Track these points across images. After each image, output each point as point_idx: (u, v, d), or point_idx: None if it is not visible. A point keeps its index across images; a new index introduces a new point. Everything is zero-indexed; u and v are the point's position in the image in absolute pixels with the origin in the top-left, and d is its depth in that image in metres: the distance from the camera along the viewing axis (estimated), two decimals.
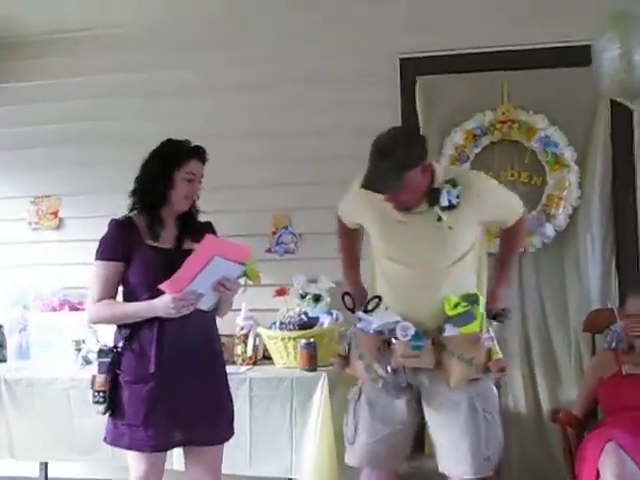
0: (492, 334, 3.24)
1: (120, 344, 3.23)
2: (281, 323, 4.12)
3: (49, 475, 5.01)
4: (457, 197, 3.13)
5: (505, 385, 4.55)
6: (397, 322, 3.15)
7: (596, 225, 4.62)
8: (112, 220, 3.36)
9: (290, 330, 4.08)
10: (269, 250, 4.94)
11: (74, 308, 4.99)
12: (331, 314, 4.20)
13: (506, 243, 3.55)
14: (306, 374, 3.89)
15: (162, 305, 3.09)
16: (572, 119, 4.64)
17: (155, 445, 3.19)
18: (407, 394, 3.22)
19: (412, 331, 3.12)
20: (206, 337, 3.34)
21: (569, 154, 4.59)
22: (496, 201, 3.32)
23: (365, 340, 3.25)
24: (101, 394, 3.19)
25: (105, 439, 3.29)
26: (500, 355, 3.21)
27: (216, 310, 3.30)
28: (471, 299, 3.15)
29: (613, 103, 4.49)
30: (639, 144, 4.46)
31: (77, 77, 5.36)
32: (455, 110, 4.78)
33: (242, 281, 3.26)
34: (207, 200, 3.52)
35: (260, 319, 4.38)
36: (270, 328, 4.15)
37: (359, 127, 4.55)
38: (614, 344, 3.74)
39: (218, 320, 3.42)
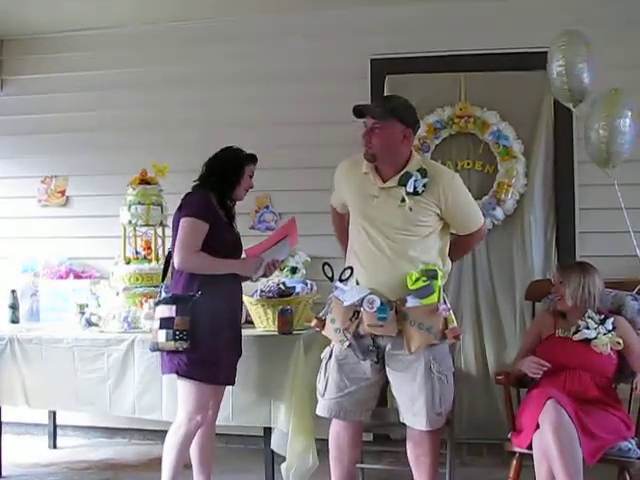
0: (449, 305, 3.27)
1: (198, 293, 3.45)
2: (262, 291, 4.14)
3: (57, 422, 5.08)
4: (423, 186, 3.18)
5: (458, 349, 4.62)
6: (365, 296, 3.19)
7: (539, 209, 4.70)
8: (199, 189, 3.61)
9: (270, 298, 4.09)
10: (252, 227, 4.99)
11: (78, 276, 5.05)
12: (306, 284, 4.23)
13: (457, 248, 3.46)
14: (284, 337, 3.91)
15: (249, 264, 3.64)
16: (520, 116, 4.70)
17: (223, 379, 3.58)
18: (371, 356, 3.26)
19: (378, 303, 3.16)
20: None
21: (517, 146, 4.66)
22: (456, 203, 3.27)
23: (337, 307, 3.29)
24: (184, 332, 3.41)
25: (177, 372, 3.49)
26: (455, 324, 3.24)
27: None
28: (430, 274, 3.18)
29: (556, 102, 4.55)
30: (578, 139, 4.51)
31: (82, 71, 5.38)
32: (418, 105, 4.69)
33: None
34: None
35: (244, 288, 4.40)
36: (252, 296, 4.16)
37: (333, 119, 4.63)
38: (550, 309, 3.79)
39: None
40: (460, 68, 4.76)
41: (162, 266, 3.85)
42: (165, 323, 3.42)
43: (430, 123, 4.76)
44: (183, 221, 3.48)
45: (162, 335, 3.42)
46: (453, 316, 3.26)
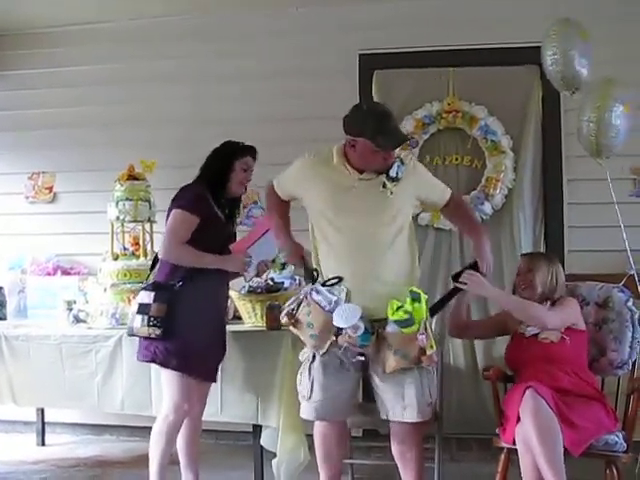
0: (430, 331, 3.20)
1: (180, 283, 3.46)
2: (250, 287, 4.13)
3: (45, 420, 5.05)
4: (402, 172, 3.23)
5: (446, 342, 4.62)
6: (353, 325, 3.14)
7: (528, 204, 4.72)
8: (190, 184, 3.61)
9: (258, 293, 4.08)
10: (240, 223, 4.93)
11: (66, 273, 5.02)
12: (295, 280, 4.21)
13: (457, 214, 3.55)
14: (271, 332, 3.89)
15: (234, 260, 3.57)
16: (509, 111, 4.72)
17: (200, 373, 3.56)
18: (357, 364, 3.27)
19: (361, 330, 3.14)
20: (227, 294, 3.84)
21: (506, 142, 4.66)
22: (426, 178, 3.42)
23: (317, 313, 3.19)
24: (158, 319, 3.43)
25: (153, 360, 3.53)
26: (434, 349, 3.18)
27: None
28: (413, 295, 3.14)
29: (544, 97, 4.56)
30: (567, 134, 4.51)
31: (69, 67, 5.36)
32: (407, 101, 4.82)
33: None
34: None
35: (231, 283, 4.38)
36: (240, 291, 4.15)
37: (323, 114, 4.60)
38: None
39: None
40: (448, 63, 4.77)
41: (150, 262, 3.86)
42: (142, 309, 3.46)
43: (418, 118, 4.77)
44: (173, 212, 3.51)
45: (138, 320, 3.47)
46: (433, 342, 3.20)
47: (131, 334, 3.54)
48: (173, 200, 3.57)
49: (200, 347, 3.49)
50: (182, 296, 3.46)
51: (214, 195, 3.58)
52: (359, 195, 3.22)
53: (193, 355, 3.47)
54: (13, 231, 5.40)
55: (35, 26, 5.35)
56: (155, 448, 3.54)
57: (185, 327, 3.45)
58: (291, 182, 3.46)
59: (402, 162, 3.25)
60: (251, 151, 3.69)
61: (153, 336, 3.44)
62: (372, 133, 3.13)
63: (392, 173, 3.21)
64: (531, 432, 3.07)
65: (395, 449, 3.34)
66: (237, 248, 3.68)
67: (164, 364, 3.50)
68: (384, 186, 3.21)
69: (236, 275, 3.72)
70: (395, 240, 3.24)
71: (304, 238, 3.41)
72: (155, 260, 3.71)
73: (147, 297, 3.48)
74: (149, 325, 3.43)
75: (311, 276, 3.31)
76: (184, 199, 3.53)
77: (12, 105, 5.46)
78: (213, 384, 3.74)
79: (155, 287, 3.52)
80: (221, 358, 3.70)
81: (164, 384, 3.58)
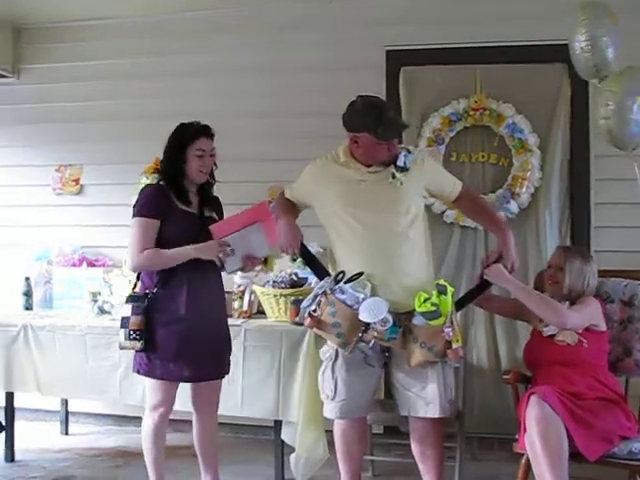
0: (457, 324, 3.19)
1: (154, 290, 3.39)
2: (274, 282, 4.13)
3: (69, 409, 5.10)
4: (410, 161, 3.25)
5: (470, 341, 4.60)
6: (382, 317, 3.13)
7: (554, 203, 4.66)
8: (147, 185, 3.54)
9: (282, 288, 4.09)
10: None
11: (91, 264, 5.05)
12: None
13: (474, 209, 3.60)
14: (295, 327, 3.88)
15: (206, 247, 3.34)
16: (536, 109, 4.65)
17: (184, 376, 3.43)
18: (381, 359, 3.30)
19: (390, 324, 3.11)
20: (219, 289, 3.60)
21: (533, 140, 4.61)
22: (436, 168, 3.52)
23: (344, 312, 3.16)
24: (137, 332, 3.35)
25: (138, 371, 3.47)
26: (460, 344, 3.16)
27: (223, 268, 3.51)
28: (440, 288, 3.14)
29: (573, 95, 4.51)
30: (594, 133, 4.45)
31: (99, 60, 5.39)
32: (433, 98, 4.78)
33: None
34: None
35: (255, 278, 4.39)
36: (264, 286, 4.16)
37: None
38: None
39: None
40: (476, 60, 4.72)
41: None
42: (123, 322, 3.37)
43: (445, 115, 4.73)
44: (132, 222, 3.42)
45: (122, 334, 3.38)
46: (460, 335, 3.18)
47: (121, 348, 3.45)
48: (133, 206, 3.45)
49: (186, 351, 3.38)
50: (158, 304, 3.38)
51: (177, 189, 3.44)
52: (371, 188, 3.24)
53: (176, 360, 3.38)
54: (40, 222, 5.45)
55: (62, 20, 5.38)
56: (144, 450, 3.52)
57: (165, 335, 3.37)
58: (305, 186, 3.47)
59: (409, 151, 3.28)
60: (203, 132, 3.47)
61: (136, 349, 3.39)
62: (372, 126, 3.16)
63: (400, 163, 3.24)
64: (535, 440, 3.01)
65: (415, 446, 3.34)
66: (217, 230, 3.42)
67: (149, 375, 3.43)
68: (393, 177, 3.23)
69: (222, 268, 3.51)
70: (410, 230, 3.26)
71: (316, 234, 3.44)
72: None
73: (126, 310, 3.39)
74: (130, 339, 3.36)
75: (320, 270, 3.38)
76: (139, 204, 3.42)
77: (39, 98, 5.51)
78: (235, 379, 3.73)
79: (131, 299, 3.42)
80: (221, 354, 3.56)
81: (146, 388, 3.53)
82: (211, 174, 3.55)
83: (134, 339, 3.35)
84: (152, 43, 5.27)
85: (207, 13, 5.14)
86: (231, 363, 3.62)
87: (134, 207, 3.43)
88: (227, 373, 3.61)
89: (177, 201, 3.43)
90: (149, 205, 3.40)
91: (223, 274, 3.57)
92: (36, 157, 5.53)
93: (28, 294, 4.80)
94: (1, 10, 5.21)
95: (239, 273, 4.33)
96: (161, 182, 3.49)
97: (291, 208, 3.49)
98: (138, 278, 3.53)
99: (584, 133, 4.58)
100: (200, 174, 3.46)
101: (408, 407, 3.27)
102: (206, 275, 3.46)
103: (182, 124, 3.49)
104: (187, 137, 3.44)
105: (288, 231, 3.36)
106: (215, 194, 3.66)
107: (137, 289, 3.50)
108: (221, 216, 3.64)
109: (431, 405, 3.22)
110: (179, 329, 3.37)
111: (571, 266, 3.48)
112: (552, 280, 3.53)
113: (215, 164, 3.56)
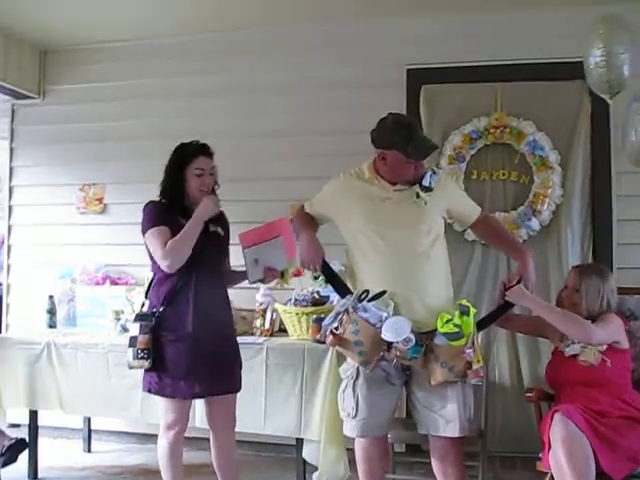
0: (478, 343, 3.18)
1: (160, 309, 3.37)
2: (296, 300, 4.14)
3: (92, 427, 5.12)
4: (435, 182, 3.27)
5: (492, 359, 4.57)
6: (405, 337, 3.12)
7: (576, 220, 4.64)
8: (148, 202, 3.50)
9: (304, 306, 4.10)
10: None
11: (114, 283, 5.08)
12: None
13: (492, 235, 3.62)
14: (317, 345, 3.87)
15: (203, 206, 3.36)
16: (557, 126, 4.65)
17: (195, 393, 3.41)
18: (402, 377, 3.28)
19: (412, 343, 3.10)
20: (225, 304, 3.56)
21: (553, 157, 4.60)
22: (457, 191, 3.59)
23: (366, 331, 3.13)
24: (145, 351, 3.34)
25: (149, 390, 3.44)
26: (481, 364, 3.14)
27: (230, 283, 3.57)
28: (462, 309, 3.13)
29: (593, 113, 4.50)
30: (616, 150, 4.44)
31: (121, 81, 5.47)
32: (454, 116, 4.79)
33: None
34: (241, 188, 3.57)
35: (277, 296, 4.40)
36: (286, 304, 4.17)
37: (369, 128, 4.56)
38: None
39: (240, 296, 3.64)
40: (496, 78, 4.73)
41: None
42: (131, 341, 3.36)
43: (466, 133, 4.74)
44: (145, 238, 3.43)
45: (130, 353, 3.36)
46: (480, 356, 3.16)
47: (130, 367, 3.42)
48: (141, 225, 3.45)
49: (196, 368, 3.35)
50: (165, 322, 3.37)
51: (181, 208, 3.43)
52: (395, 206, 3.25)
53: (188, 379, 3.36)
54: (64, 241, 5.50)
55: (86, 42, 5.47)
56: (161, 469, 3.55)
57: (174, 353, 3.35)
58: (327, 200, 3.47)
59: (434, 172, 3.30)
60: (202, 151, 3.47)
61: (145, 368, 3.38)
62: (402, 144, 3.17)
63: (425, 182, 3.25)
64: (561, 458, 2.98)
65: (436, 465, 3.31)
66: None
67: (159, 393, 3.42)
68: (418, 196, 3.25)
69: (237, 281, 3.55)
70: (431, 250, 3.26)
71: (337, 252, 3.45)
72: (148, 288, 3.56)
73: (135, 329, 3.38)
74: (138, 358, 3.34)
75: (341, 288, 3.36)
76: (145, 221, 3.42)
77: (63, 119, 5.58)
78: (257, 397, 3.72)
79: (139, 318, 3.41)
80: (231, 369, 3.52)
81: (159, 407, 3.51)
82: (212, 192, 3.52)
83: (142, 358, 3.34)
84: (174, 64, 5.33)
85: (228, 34, 5.19)
86: (252, 382, 3.62)
87: (142, 225, 3.43)
88: (239, 389, 3.56)
89: (180, 218, 3.41)
90: (154, 218, 3.40)
91: (241, 291, 3.59)
92: (60, 176, 5.59)
93: (52, 312, 4.85)
94: (28, 33, 5.32)
95: (261, 290, 4.37)
96: (163, 200, 3.48)
97: (310, 222, 3.49)
98: (146, 296, 3.53)
99: (605, 150, 4.57)
100: (201, 193, 3.44)
101: (427, 426, 3.26)
102: (212, 291, 3.46)
103: (181, 144, 3.50)
104: (186, 157, 3.44)
105: (310, 247, 3.34)
106: (238, 212, 3.67)
107: (145, 308, 3.50)
108: (227, 230, 3.62)
109: (451, 424, 3.20)
110: (187, 346, 3.36)
111: (587, 287, 3.47)
112: (569, 302, 3.52)
113: (216, 182, 3.56)
